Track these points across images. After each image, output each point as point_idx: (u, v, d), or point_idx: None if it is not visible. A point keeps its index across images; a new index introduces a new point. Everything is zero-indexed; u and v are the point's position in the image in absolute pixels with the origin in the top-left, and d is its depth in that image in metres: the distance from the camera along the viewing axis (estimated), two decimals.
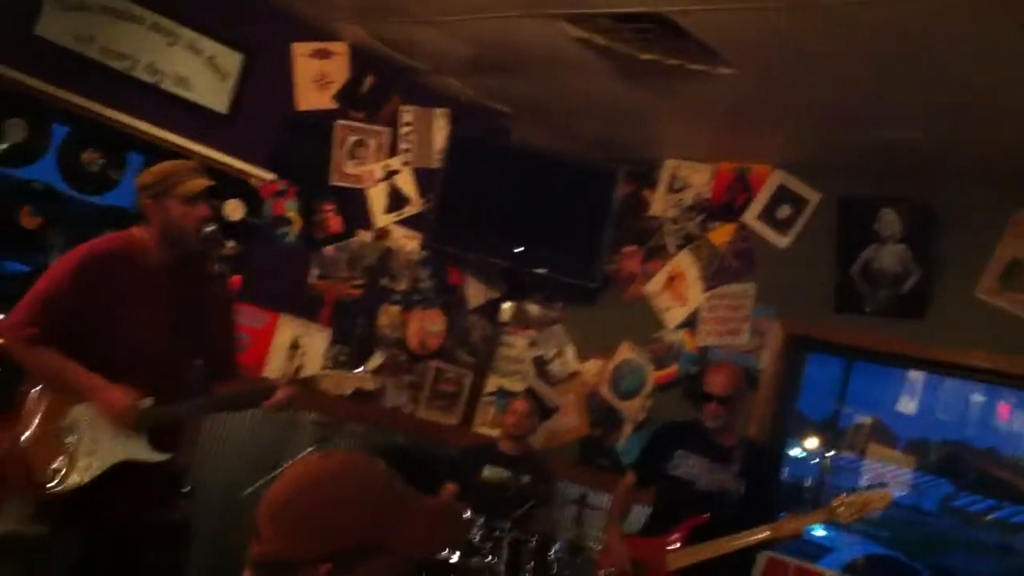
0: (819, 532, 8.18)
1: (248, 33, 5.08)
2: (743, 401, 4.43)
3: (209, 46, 4.95)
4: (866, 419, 5.13)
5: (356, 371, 3.46)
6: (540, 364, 6.13)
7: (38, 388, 3.15)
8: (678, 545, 4.12)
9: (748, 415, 4.95)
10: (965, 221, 4.63)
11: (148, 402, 3.13)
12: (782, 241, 5.24)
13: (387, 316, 5.78)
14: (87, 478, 3.05)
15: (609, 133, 5.65)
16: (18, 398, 3.15)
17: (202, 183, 3.20)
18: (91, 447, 3.08)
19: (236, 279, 5.11)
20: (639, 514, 4.61)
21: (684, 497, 4.25)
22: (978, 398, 12.51)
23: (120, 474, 3.10)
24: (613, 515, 4.52)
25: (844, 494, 3.90)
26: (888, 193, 4.80)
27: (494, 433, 5.78)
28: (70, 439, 3.07)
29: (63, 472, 3.03)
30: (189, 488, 4.27)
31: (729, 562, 4.06)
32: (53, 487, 3.03)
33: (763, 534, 3.98)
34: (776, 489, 4.48)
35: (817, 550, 7.68)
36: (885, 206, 4.75)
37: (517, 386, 6.12)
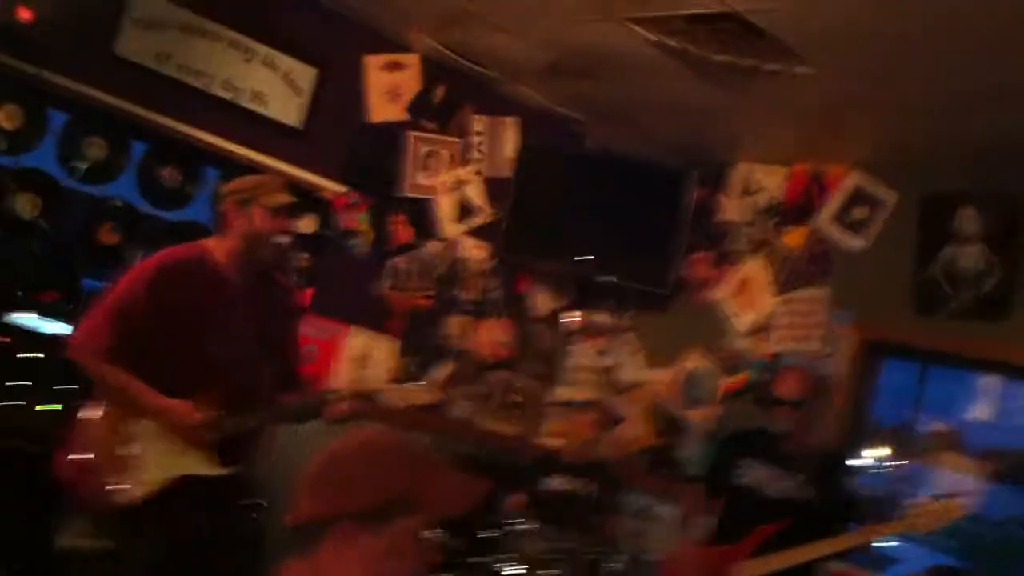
0: (883, 542, 8.00)
1: (322, 48, 5.14)
2: (815, 407, 4.34)
3: (285, 62, 5.03)
4: (940, 426, 5.03)
5: (417, 383, 3.48)
6: (608, 373, 6.10)
7: (104, 401, 3.17)
8: (747, 556, 4.01)
9: (821, 423, 4.87)
10: None
11: (216, 416, 3.16)
12: (858, 243, 5.14)
13: (456, 326, 5.80)
14: (148, 492, 3.08)
15: (683, 136, 5.59)
16: (83, 410, 3.17)
17: (288, 197, 3.31)
18: (154, 460, 3.11)
19: (308, 292, 5.18)
20: (707, 524, 4.53)
21: (751, 506, 4.17)
22: None
23: (186, 487, 3.12)
24: (681, 525, 4.46)
25: (921, 502, 3.78)
26: (967, 190, 4.66)
27: (561, 443, 5.76)
28: (133, 452, 3.10)
29: (125, 485, 3.06)
30: (260, 500, 4.30)
31: (794, 572, 3.94)
32: (116, 500, 3.05)
33: (836, 545, 3.88)
34: (848, 497, 4.36)
35: (882, 560, 7.51)
36: (965, 204, 4.63)
37: (584, 396, 6.09)
